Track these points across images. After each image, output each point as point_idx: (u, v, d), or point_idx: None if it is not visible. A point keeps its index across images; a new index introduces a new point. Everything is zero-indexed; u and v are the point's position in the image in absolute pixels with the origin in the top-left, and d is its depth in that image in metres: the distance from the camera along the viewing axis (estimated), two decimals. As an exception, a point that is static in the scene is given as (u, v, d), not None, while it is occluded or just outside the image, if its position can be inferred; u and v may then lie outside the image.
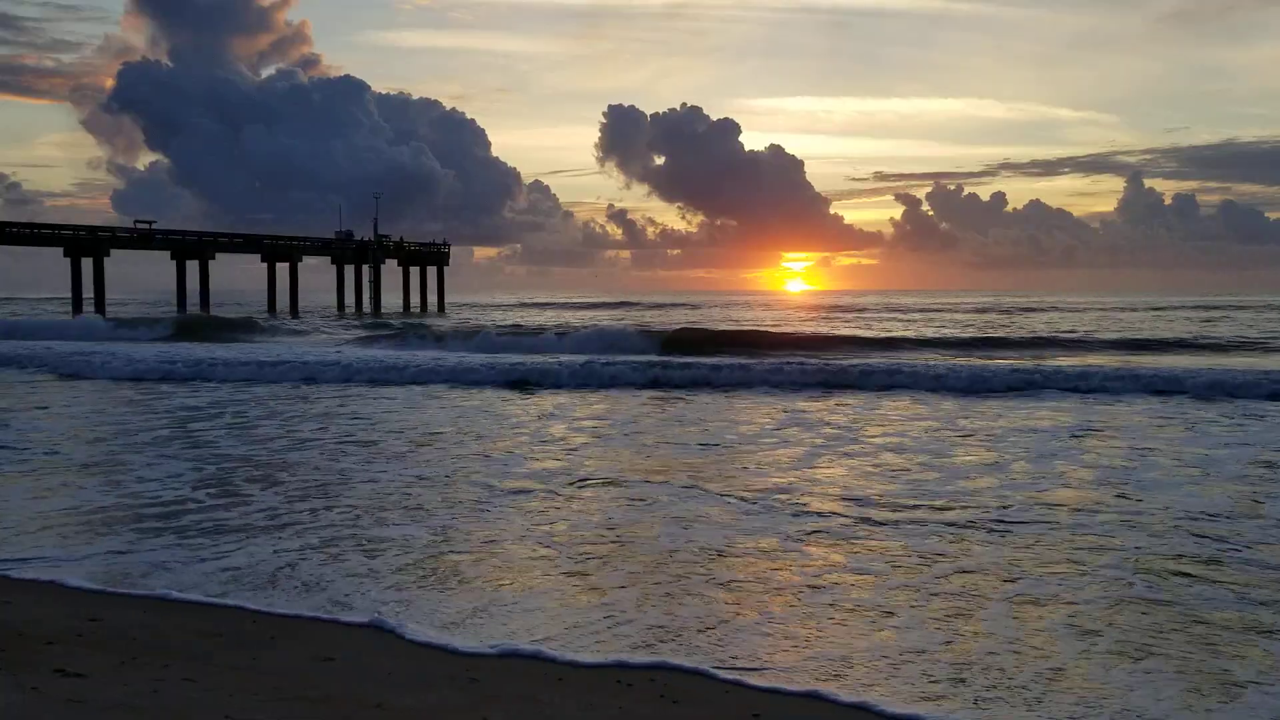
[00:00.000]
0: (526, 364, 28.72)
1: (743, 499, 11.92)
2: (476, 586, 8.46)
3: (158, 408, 21.64)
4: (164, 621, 7.39)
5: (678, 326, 52.41)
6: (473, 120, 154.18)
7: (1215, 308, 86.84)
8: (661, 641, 7.15)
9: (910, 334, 50.14)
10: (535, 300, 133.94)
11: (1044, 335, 47.12)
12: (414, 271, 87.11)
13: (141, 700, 5.57)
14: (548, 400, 23.46)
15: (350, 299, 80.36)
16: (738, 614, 7.75)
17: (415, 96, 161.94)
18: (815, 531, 10.34)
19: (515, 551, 9.60)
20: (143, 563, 9.15)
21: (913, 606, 7.94)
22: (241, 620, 7.52)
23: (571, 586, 8.48)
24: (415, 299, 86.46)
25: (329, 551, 9.53)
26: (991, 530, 10.37)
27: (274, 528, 10.49)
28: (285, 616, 7.63)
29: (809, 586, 8.46)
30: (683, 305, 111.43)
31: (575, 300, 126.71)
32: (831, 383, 25.70)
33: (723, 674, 6.55)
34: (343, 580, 8.60)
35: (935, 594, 8.23)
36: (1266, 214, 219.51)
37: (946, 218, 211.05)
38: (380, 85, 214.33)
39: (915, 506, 11.45)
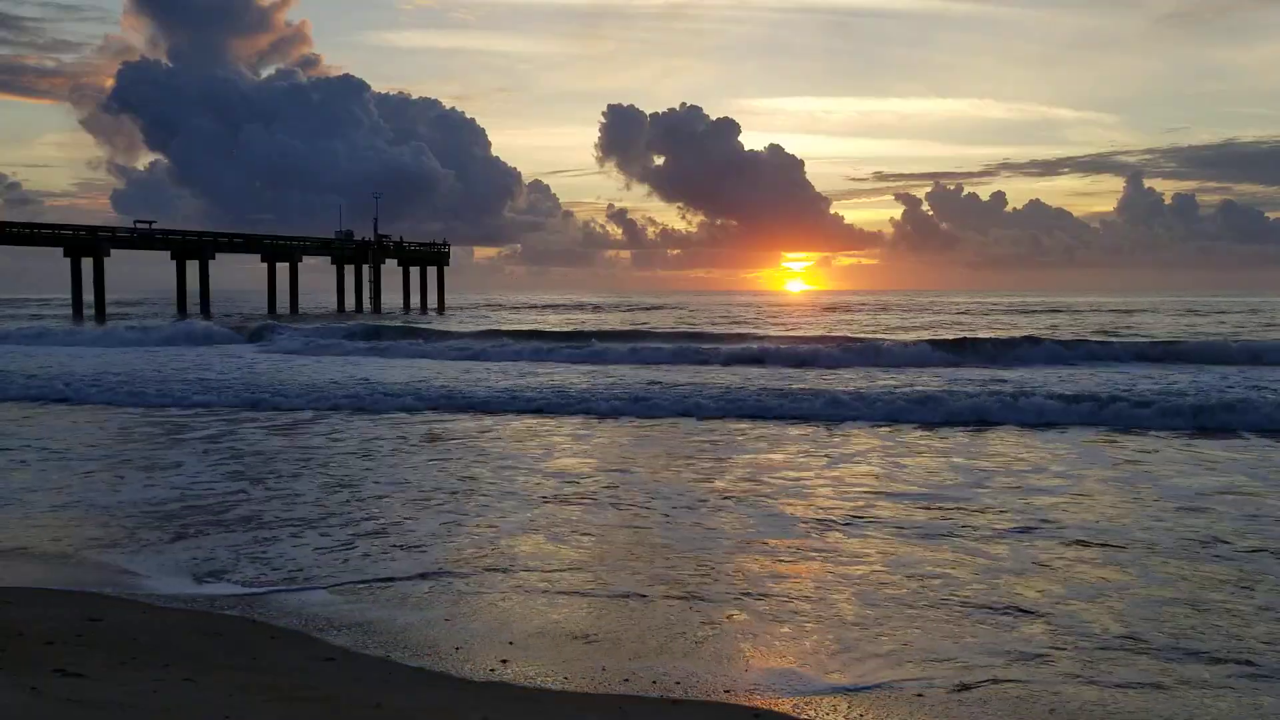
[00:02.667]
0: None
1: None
2: (483, 592, 8.45)
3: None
4: (164, 621, 7.37)
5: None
6: (473, 120, 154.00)
7: (1236, 309, 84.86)
8: (658, 655, 7.13)
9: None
10: (565, 303, 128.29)
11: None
12: (414, 271, 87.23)
13: (141, 700, 5.54)
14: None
15: (350, 299, 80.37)
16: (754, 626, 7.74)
17: (415, 96, 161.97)
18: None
19: (524, 553, 9.59)
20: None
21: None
22: (241, 620, 7.51)
23: (584, 599, 8.47)
24: (415, 299, 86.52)
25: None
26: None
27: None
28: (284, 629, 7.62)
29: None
30: (727, 306, 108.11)
31: (592, 300, 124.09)
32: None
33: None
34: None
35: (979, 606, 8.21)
36: (1266, 214, 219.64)
37: (946, 218, 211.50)
38: (380, 85, 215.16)
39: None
